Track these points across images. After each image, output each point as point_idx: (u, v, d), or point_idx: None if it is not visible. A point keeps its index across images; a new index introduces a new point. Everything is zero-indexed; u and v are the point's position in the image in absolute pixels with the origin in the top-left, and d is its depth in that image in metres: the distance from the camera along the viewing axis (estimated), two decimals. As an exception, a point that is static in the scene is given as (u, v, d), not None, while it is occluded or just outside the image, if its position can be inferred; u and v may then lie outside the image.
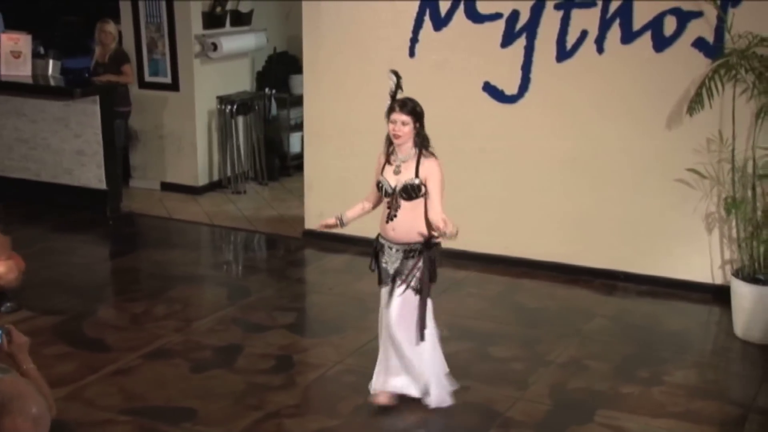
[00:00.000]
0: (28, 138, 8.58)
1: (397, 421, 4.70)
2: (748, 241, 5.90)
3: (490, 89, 6.83)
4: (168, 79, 9.01)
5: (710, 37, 6.11)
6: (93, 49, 8.96)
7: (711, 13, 6.04)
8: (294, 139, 9.74)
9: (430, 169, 4.56)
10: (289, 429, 4.64)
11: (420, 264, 4.59)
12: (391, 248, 4.66)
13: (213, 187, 9.33)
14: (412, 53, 7.00)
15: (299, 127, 9.04)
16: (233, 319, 6.05)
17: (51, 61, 9.02)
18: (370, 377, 4.85)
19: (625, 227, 6.61)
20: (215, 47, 8.94)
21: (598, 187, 6.65)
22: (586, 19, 6.44)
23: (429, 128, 4.64)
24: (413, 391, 4.77)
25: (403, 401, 4.80)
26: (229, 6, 9.26)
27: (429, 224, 4.58)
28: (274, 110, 9.73)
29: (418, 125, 4.53)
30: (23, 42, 8.73)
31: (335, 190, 7.20)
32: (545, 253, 6.89)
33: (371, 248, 4.76)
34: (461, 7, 6.78)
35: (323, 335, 5.77)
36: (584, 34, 6.47)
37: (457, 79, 6.91)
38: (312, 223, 7.67)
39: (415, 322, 4.63)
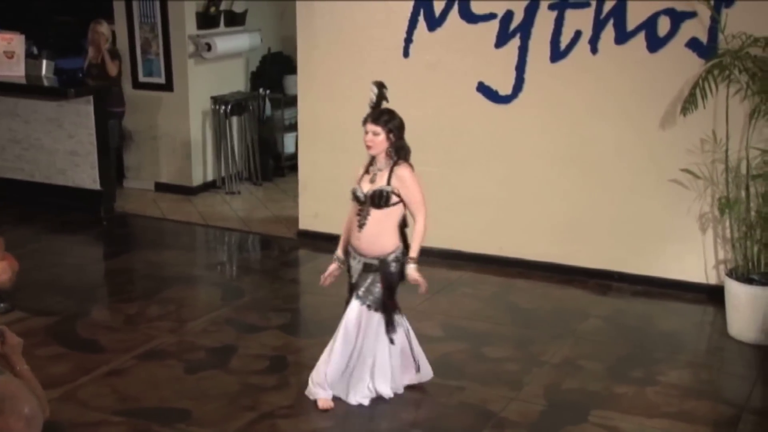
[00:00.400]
0: (22, 138, 8.56)
1: (391, 421, 4.69)
2: (741, 241, 5.91)
3: (484, 89, 6.83)
4: (162, 80, 9.00)
5: (704, 38, 6.11)
6: (86, 50, 8.94)
7: (705, 13, 6.05)
8: (288, 139, 9.74)
9: (402, 177, 4.59)
10: (283, 430, 4.64)
11: (377, 281, 4.65)
12: (354, 258, 4.72)
13: (207, 187, 9.32)
14: (406, 53, 7.00)
15: (293, 127, 9.05)
16: (227, 319, 6.04)
17: (44, 62, 9.01)
18: (365, 378, 4.86)
19: (620, 227, 6.61)
20: (209, 47, 8.93)
21: (592, 188, 6.65)
22: (580, 20, 6.44)
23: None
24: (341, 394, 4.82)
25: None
26: (223, 6, 9.25)
27: (398, 238, 4.64)
28: (268, 110, 9.72)
29: (392, 136, 4.56)
30: (16, 42, 8.71)
31: (329, 190, 7.20)
32: (540, 254, 6.89)
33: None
34: (455, 7, 6.78)
35: (317, 336, 5.75)
36: (578, 34, 6.47)
37: (451, 80, 6.91)
38: (306, 223, 7.68)
39: (370, 335, 4.68)
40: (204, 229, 8.21)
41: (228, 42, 9.20)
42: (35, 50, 9.65)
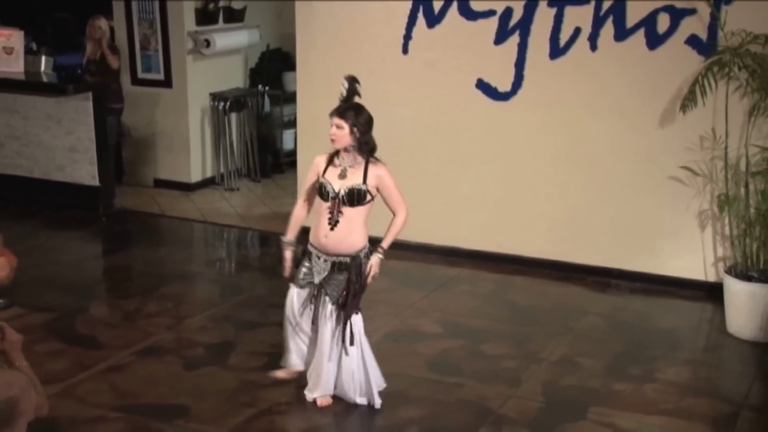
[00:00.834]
0: (20, 135, 8.55)
1: (388, 418, 4.69)
2: (741, 239, 5.91)
3: (483, 86, 6.83)
4: (161, 76, 8.99)
5: (703, 35, 6.11)
6: (85, 46, 8.93)
7: (704, 10, 6.04)
8: (287, 136, 9.73)
9: (379, 177, 4.57)
10: (281, 426, 4.65)
11: (345, 280, 4.61)
12: (319, 257, 4.68)
13: (206, 183, 9.32)
14: (405, 50, 7.00)
15: (292, 124, 9.04)
16: (225, 316, 6.04)
17: (43, 58, 9.01)
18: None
19: (618, 225, 6.61)
20: (208, 44, 8.92)
21: (591, 185, 6.65)
22: (579, 17, 6.44)
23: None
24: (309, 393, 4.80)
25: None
26: (221, 3, 9.24)
27: (366, 234, 4.61)
28: (267, 107, 9.72)
29: (356, 131, 4.52)
30: (15, 38, 8.71)
31: (328, 187, 7.18)
32: (538, 251, 6.89)
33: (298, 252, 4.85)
34: (454, 4, 6.78)
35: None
36: (577, 31, 6.47)
37: (450, 77, 6.90)
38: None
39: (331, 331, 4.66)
40: (203, 225, 8.21)
41: (227, 38, 9.19)
42: (34, 46, 9.64)
